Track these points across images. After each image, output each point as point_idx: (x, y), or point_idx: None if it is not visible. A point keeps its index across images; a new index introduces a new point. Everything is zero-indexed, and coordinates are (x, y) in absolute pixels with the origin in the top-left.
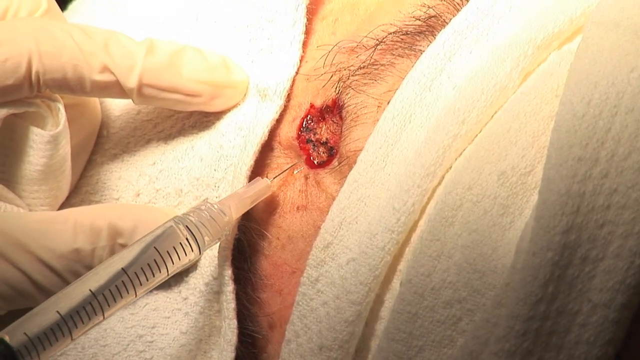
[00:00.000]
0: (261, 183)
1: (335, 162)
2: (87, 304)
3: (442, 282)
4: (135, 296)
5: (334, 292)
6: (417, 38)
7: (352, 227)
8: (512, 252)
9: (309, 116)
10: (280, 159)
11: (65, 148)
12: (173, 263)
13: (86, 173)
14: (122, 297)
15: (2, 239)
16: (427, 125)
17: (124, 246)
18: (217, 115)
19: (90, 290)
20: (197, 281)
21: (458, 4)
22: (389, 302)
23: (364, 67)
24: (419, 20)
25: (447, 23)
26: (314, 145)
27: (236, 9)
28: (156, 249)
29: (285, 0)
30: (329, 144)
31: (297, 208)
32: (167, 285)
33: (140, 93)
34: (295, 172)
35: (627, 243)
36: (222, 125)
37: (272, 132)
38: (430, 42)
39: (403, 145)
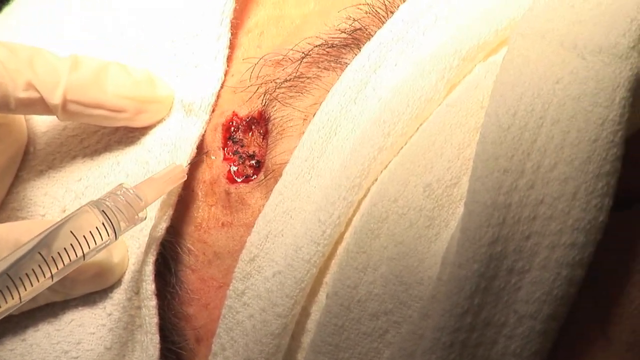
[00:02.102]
0: (176, 168)
1: (261, 176)
2: (3, 287)
3: (368, 294)
4: (52, 280)
5: (260, 305)
6: (343, 51)
7: (278, 239)
8: (438, 264)
9: (238, 127)
10: (207, 171)
11: None
12: (89, 247)
13: (13, 189)
14: (38, 280)
15: None
16: (353, 137)
17: None
18: (143, 131)
19: (7, 273)
20: (121, 296)
21: (383, 16)
22: (316, 315)
23: (290, 79)
24: (345, 33)
25: (373, 36)
26: (240, 157)
27: (161, 24)
28: (72, 233)
29: (209, 15)
30: (255, 157)
31: (222, 224)
32: (92, 300)
33: (64, 109)
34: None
35: (554, 254)
36: (147, 140)
37: (198, 146)
38: (356, 54)
39: (329, 157)
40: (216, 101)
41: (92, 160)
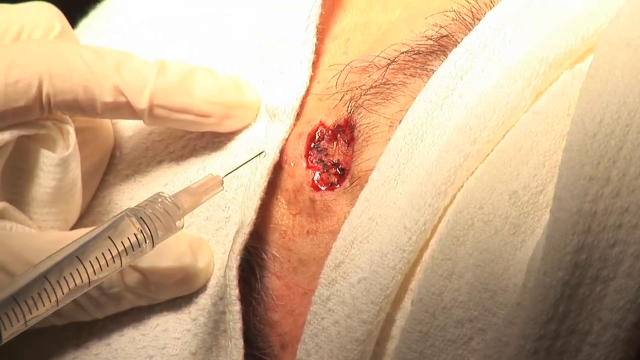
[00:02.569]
0: (213, 179)
1: (347, 183)
2: (41, 289)
3: (453, 301)
4: (89, 286)
5: (345, 311)
6: (429, 58)
7: (364, 246)
8: (523, 271)
9: (323, 136)
10: (288, 179)
11: (75, 171)
12: (127, 254)
13: (99, 194)
14: (75, 284)
15: (12, 259)
16: (439, 144)
17: (132, 267)
18: (229, 136)
19: (44, 276)
20: (206, 302)
21: (470, 23)
22: (400, 321)
23: (375, 86)
24: (431, 39)
25: (459, 42)
26: (324, 165)
27: (247, 29)
28: (110, 239)
29: (295, 21)
30: (340, 165)
31: (307, 232)
32: (177, 305)
33: (151, 114)
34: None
35: (638, 262)
36: (233, 146)
37: (281, 151)
38: (442, 61)
39: (414, 164)
40: (301, 108)
41: (178, 165)
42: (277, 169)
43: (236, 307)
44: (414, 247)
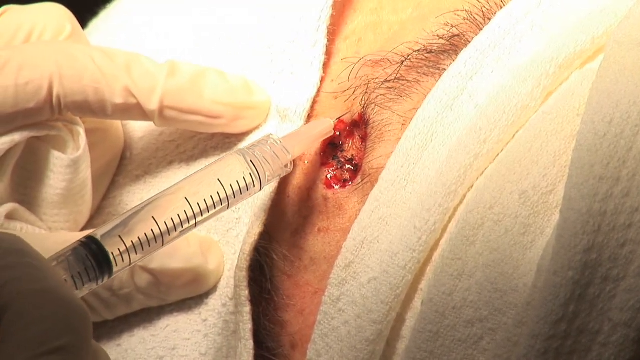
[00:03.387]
0: (324, 122)
1: (358, 179)
2: (148, 230)
3: (463, 301)
4: (195, 227)
5: (355, 311)
6: (441, 57)
7: (374, 246)
8: (533, 271)
9: (341, 133)
10: (302, 177)
11: (86, 172)
12: (235, 196)
13: (109, 194)
14: (182, 226)
15: None
16: (449, 144)
17: (143, 268)
18: (239, 137)
19: (152, 217)
20: (216, 302)
21: (480, 23)
22: (410, 321)
23: (390, 80)
24: (443, 39)
25: (470, 42)
26: (339, 162)
27: (258, 30)
28: (219, 181)
29: (306, 22)
30: (354, 161)
31: (319, 230)
32: (188, 306)
33: (161, 115)
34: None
35: None
36: (243, 146)
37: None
38: (454, 61)
39: (424, 164)
40: (314, 107)
41: (189, 166)
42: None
43: (246, 308)
44: (424, 247)
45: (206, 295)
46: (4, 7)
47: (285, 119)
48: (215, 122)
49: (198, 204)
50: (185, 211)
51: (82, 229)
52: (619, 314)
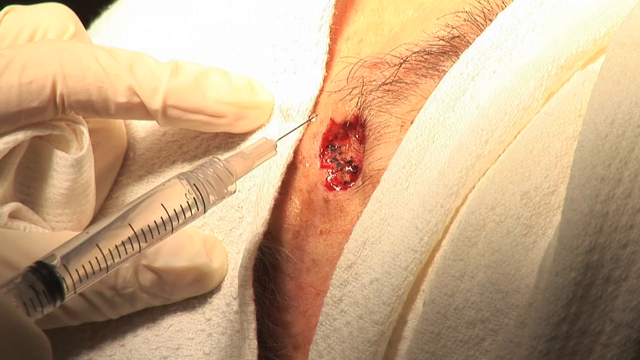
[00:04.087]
0: (267, 143)
1: (359, 182)
2: (92, 257)
3: (465, 302)
4: (139, 252)
5: (357, 312)
6: (441, 58)
7: (376, 247)
8: (535, 272)
9: (336, 135)
10: (302, 179)
11: (89, 172)
12: (178, 220)
13: (112, 194)
14: (127, 252)
15: (26, 260)
16: (451, 145)
17: (147, 267)
18: (242, 136)
19: (96, 244)
20: (220, 302)
21: (481, 24)
22: (412, 322)
23: (387, 83)
24: (443, 40)
25: (471, 44)
26: (338, 164)
27: (260, 30)
28: (162, 206)
29: (308, 21)
30: (353, 163)
31: (320, 232)
32: (191, 306)
33: (164, 114)
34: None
35: None
36: (247, 146)
37: (295, 151)
38: (454, 62)
39: (426, 165)
40: (315, 107)
41: (191, 166)
42: (291, 169)
43: (250, 308)
44: (426, 247)
45: (210, 294)
46: (8, 7)
47: (289, 118)
48: (219, 122)
49: (142, 229)
50: (129, 238)
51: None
52: (621, 314)
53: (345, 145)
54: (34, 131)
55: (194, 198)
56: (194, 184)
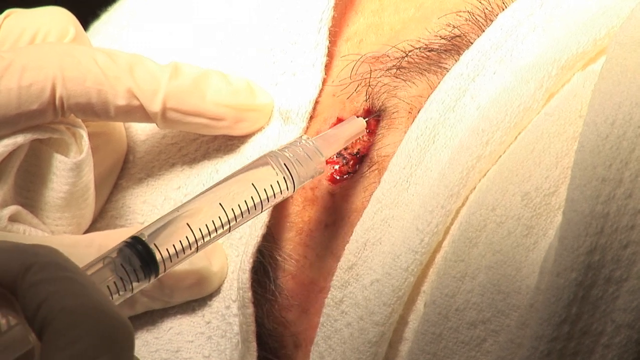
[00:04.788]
0: (356, 122)
1: (364, 168)
2: (182, 236)
3: (466, 302)
4: (229, 231)
5: (358, 313)
6: (443, 56)
7: (376, 248)
8: (536, 272)
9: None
10: None
11: (89, 176)
12: (268, 200)
13: (112, 197)
14: (217, 231)
15: None
16: (451, 146)
17: None
18: (242, 139)
19: (187, 224)
20: (219, 304)
21: (482, 24)
22: (413, 323)
23: (392, 69)
24: (444, 39)
25: (472, 43)
26: (344, 158)
27: (260, 32)
28: (253, 185)
29: (307, 23)
30: (360, 154)
31: (326, 225)
32: (191, 309)
33: (164, 117)
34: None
35: None
36: (246, 148)
37: None
38: (456, 60)
39: (427, 166)
40: (316, 108)
41: (191, 169)
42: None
43: (249, 310)
44: (427, 248)
45: (209, 297)
46: (8, 11)
47: (288, 120)
48: (218, 124)
49: (232, 209)
50: (220, 217)
51: (85, 232)
52: (622, 315)
53: (353, 140)
54: (33, 134)
55: (284, 177)
56: (284, 164)
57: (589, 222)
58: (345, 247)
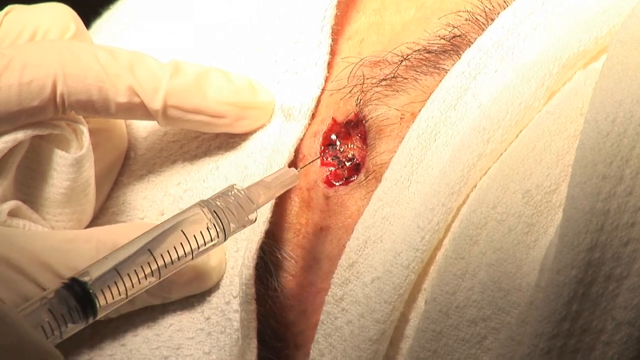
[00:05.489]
0: (288, 172)
1: (361, 177)
2: (111, 282)
3: (466, 300)
4: (159, 278)
5: (359, 311)
6: (441, 57)
7: (377, 245)
8: (536, 270)
9: (337, 133)
10: (302, 178)
11: (89, 171)
12: (198, 247)
13: (113, 194)
14: (146, 278)
15: (25, 258)
16: (452, 144)
17: None
18: (243, 137)
19: (115, 268)
20: (219, 300)
21: (483, 23)
22: (414, 321)
23: (386, 79)
24: (444, 39)
25: (472, 43)
26: (339, 161)
27: (261, 31)
28: (182, 232)
29: (310, 22)
30: (355, 160)
31: (321, 229)
32: (191, 305)
33: (165, 115)
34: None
35: None
36: (248, 145)
37: (295, 151)
38: (455, 61)
39: (428, 164)
40: (316, 107)
41: (192, 165)
42: (293, 166)
43: (252, 306)
44: (428, 246)
45: (209, 293)
46: (9, 7)
47: (290, 117)
48: (219, 122)
49: (162, 255)
50: (148, 263)
51: (85, 228)
52: (623, 312)
53: (348, 144)
54: (34, 130)
55: (214, 225)
56: (214, 211)
57: (590, 219)
58: (346, 245)
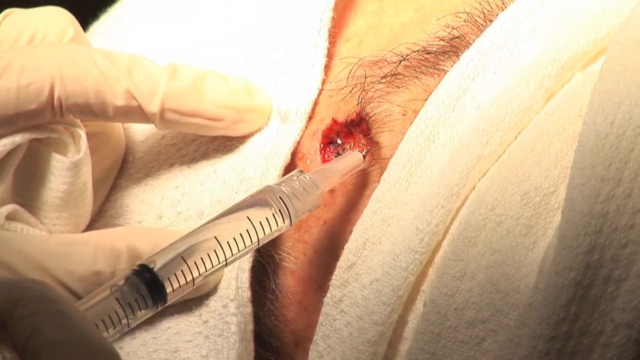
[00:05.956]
0: (353, 156)
1: (365, 165)
2: (178, 270)
3: (465, 302)
4: (226, 265)
5: (357, 313)
6: (441, 58)
7: (376, 247)
8: (535, 272)
9: (338, 132)
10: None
11: (87, 175)
12: (264, 234)
13: (111, 197)
14: (212, 265)
15: (23, 261)
16: (451, 145)
17: None
18: (241, 139)
19: (182, 256)
20: (217, 303)
21: (482, 25)
22: (413, 323)
23: (387, 77)
24: (443, 40)
25: (471, 44)
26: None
27: (259, 33)
28: (248, 219)
29: (307, 24)
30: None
31: (324, 222)
32: (188, 308)
33: (162, 118)
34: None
35: None
36: (245, 148)
37: (294, 152)
38: (454, 62)
39: (426, 165)
40: (314, 108)
41: (189, 168)
42: (291, 168)
43: (248, 310)
44: (426, 248)
45: (207, 296)
46: (7, 11)
47: (287, 120)
48: (217, 125)
49: (228, 242)
50: (215, 251)
51: (83, 232)
52: (621, 314)
53: (350, 143)
54: (31, 134)
55: (280, 211)
56: (280, 197)
57: (588, 221)
58: (345, 247)
